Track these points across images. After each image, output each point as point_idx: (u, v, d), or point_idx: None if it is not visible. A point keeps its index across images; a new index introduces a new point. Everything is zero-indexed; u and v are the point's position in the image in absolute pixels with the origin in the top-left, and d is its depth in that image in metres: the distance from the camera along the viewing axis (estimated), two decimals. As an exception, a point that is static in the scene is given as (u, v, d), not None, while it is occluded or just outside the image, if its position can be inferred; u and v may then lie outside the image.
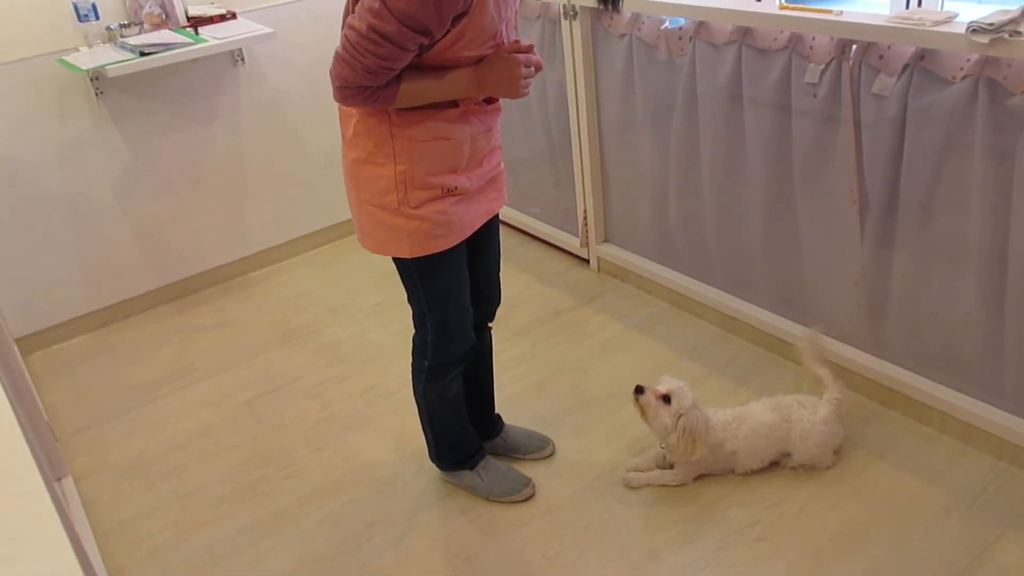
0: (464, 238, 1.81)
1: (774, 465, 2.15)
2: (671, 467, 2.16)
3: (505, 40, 1.64)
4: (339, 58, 1.52)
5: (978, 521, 1.95)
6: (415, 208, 1.71)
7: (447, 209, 1.73)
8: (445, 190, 1.72)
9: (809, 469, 2.13)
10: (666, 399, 2.02)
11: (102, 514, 2.28)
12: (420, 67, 1.58)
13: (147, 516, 2.26)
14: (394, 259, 1.84)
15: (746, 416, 2.11)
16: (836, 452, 2.15)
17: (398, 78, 1.56)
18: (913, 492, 2.04)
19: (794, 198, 2.33)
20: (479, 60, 1.62)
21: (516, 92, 1.66)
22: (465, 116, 1.70)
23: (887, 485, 2.07)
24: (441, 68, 1.60)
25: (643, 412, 2.05)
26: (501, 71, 1.62)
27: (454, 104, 1.68)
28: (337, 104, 1.64)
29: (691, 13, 2.33)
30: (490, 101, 1.76)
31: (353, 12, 1.52)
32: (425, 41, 1.51)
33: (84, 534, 2.16)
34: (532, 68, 1.65)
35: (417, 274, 1.83)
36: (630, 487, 2.15)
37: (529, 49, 1.65)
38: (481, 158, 1.79)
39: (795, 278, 2.46)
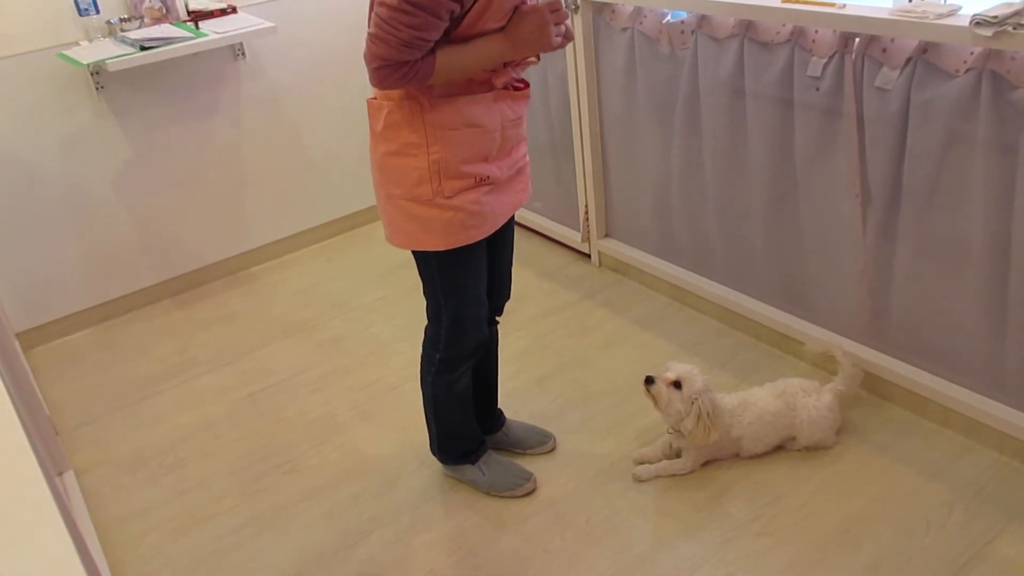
0: (495, 229, 1.82)
1: (779, 450, 2.17)
2: (678, 455, 2.16)
3: None
4: (373, 38, 1.53)
5: (980, 515, 1.95)
6: (449, 198, 1.72)
7: (480, 199, 1.75)
8: (478, 179, 1.74)
9: (813, 450, 2.16)
10: (677, 385, 2.02)
11: (103, 508, 2.28)
12: (451, 43, 1.60)
13: (148, 510, 2.26)
14: (414, 252, 1.84)
15: (750, 402, 2.12)
16: (837, 433, 2.19)
17: (433, 51, 1.57)
18: (915, 486, 2.04)
19: (796, 192, 2.33)
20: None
21: (548, 42, 1.67)
22: (497, 102, 1.72)
23: (889, 479, 2.07)
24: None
25: (655, 401, 2.04)
26: (529, 24, 1.64)
27: (487, 87, 1.69)
28: (365, 97, 1.67)
29: (693, 7, 2.32)
30: (518, 87, 1.78)
31: None
32: (456, 8, 1.52)
33: (85, 528, 2.16)
34: (559, 13, 1.66)
35: (437, 267, 1.83)
36: (640, 480, 2.14)
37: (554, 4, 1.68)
38: (510, 147, 1.81)
39: (797, 273, 2.45)
